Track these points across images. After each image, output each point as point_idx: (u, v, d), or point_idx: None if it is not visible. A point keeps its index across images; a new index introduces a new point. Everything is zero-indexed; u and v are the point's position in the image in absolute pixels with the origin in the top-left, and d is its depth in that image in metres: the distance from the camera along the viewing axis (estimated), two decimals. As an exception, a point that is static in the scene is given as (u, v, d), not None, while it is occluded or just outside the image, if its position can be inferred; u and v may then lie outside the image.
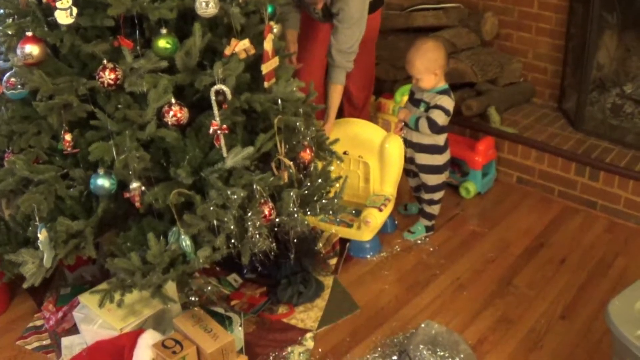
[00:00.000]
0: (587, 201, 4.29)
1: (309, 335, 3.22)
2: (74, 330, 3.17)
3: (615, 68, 4.55)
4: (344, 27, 3.72)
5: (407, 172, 4.00)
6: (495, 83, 4.88)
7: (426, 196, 3.94)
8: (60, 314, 3.24)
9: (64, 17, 2.44)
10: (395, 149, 3.76)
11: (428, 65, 3.57)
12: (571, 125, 4.60)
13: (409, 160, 3.88)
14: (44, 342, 3.19)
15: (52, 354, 3.12)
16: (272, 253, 2.82)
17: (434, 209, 3.98)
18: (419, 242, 3.96)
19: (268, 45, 2.65)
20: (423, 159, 3.82)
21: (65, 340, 3.13)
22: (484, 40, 5.01)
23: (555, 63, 4.84)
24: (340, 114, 4.33)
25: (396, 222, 4.11)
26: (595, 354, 3.10)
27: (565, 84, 4.79)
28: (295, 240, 3.00)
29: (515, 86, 4.98)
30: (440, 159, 3.82)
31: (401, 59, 3.83)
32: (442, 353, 2.90)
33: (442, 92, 3.67)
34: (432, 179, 3.88)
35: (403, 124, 3.80)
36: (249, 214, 2.60)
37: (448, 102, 3.65)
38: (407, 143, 3.81)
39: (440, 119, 3.64)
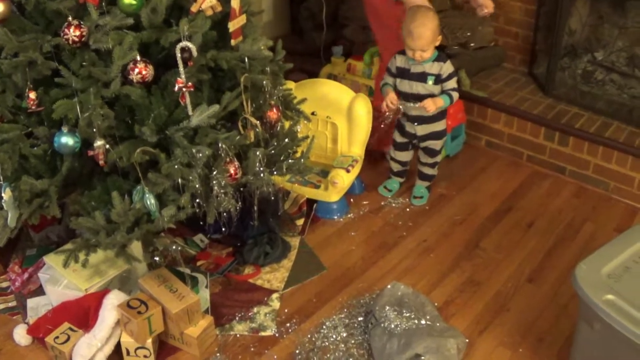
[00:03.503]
0: (556, 166, 4.31)
1: (275, 295, 3.23)
2: (40, 291, 3.16)
3: (587, 34, 4.55)
4: None
5: (402, 147, 3.98)
6: (465, 47, 4.87)
7: (430, 160, 3.95)
8: (26, 276, 3.23)
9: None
10: (364, 110, 3.76)
11: (434, 35, 3.54)
12: (541, 91, 4.61)
13: (408, 135, 3.88)
14: (10, 304, 3.18)
15: (18, 316, 3.12)
16: (238, 213, 2.81)
17: (436, 170, 4.01)
18: (391, 202, 3.99)
19: (235, 2, 2.61)
20: (429, 128, 3.82)
21: (30, 302, 3.13)
22: (455, 3, 4.99)
23: (527, 28, 4.84)
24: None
25: (363, 183, 4.11)
26: (562, 318, 3.13)
27: (537, 49, 4.79)
28: (261, 201, 3.00)
29: (486, 50, 4.98)
30: (445, 123, 3.85)
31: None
32: (408, 314, 2.91)
33: (440, 58, 3.65)
34: (439, 144, 3.90)
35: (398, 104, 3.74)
36: (214, 173, 2.58)
37: (452, 66, 3.68)
38: (409, 118, 3.79)
39: (457, 84, 3.70)
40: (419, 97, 3.68)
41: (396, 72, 3.74)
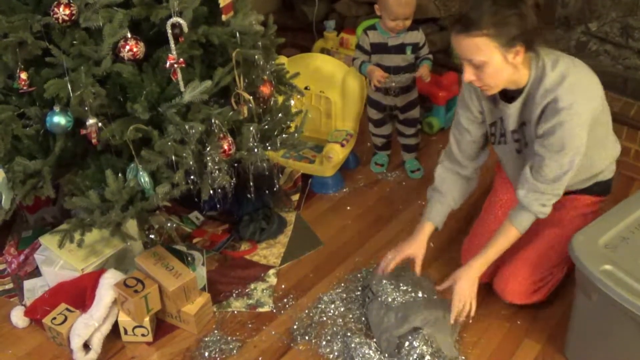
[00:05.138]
0: (551, 138, 4.28)
1: (271, 271, 3.24)
2: (36, 273, 3.17)
3: (581, 6, 4.53)
4: (549, 154, 2.60)
5: (381, 122, 3.97)
6: (459, 19, 4.84)
7: (413, 130, 3.97)
8: (22, 257, 3.22)
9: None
10: (357, 84, 3.76)
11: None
12: (535, 62, 4.58)
13: (385, 109, 3.88)
14: (7, 286, 3.19)
15: (14, 298, 3.13)
16: (232, 189, 2.80)
17: (419, 138, 4.04)
18: (386, 176, 4.00)
19: (225, -23, 2.61)
20: (407, 97, 3.83)
21: (27, 284, 3.13)
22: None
23: (520, 0, 4.80)
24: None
25: (359, 157, 4.12)
26: (560, 289, 3.11)
27: (530, 20, 4.76)
28: (256, 177, 2.99)
29: (480, 23, 4.94)
30: (416, 91, 3.86)
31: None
32: (404, 288, 2.91)
33: (413, 27, 3.65)
34: (417, 111, 3.92)
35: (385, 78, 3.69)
36: (208, 149, 2.58)
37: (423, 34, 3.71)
38: (387, 91, 3.77)
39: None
40: (399, 70, 3.69)
41: (371, 49, 3.72)
